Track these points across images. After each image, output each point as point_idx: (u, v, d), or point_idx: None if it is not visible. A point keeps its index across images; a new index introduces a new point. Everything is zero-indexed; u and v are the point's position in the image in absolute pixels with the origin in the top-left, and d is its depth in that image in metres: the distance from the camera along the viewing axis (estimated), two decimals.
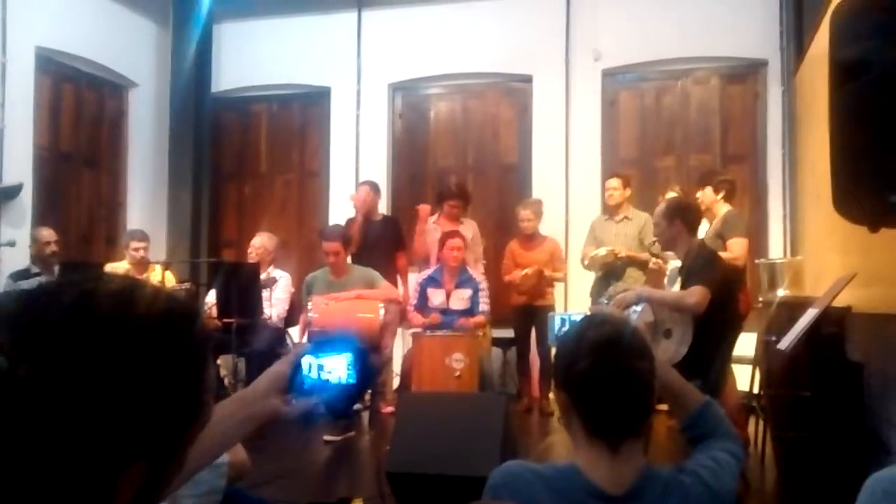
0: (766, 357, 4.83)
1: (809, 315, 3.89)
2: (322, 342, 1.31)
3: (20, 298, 0.75)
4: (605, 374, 1.44)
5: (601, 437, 1.47)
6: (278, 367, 1.27)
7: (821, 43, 4.84)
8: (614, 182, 6.46)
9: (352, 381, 1.27)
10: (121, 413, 0.71)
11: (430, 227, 6.64)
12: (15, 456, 0.68)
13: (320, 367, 1.27)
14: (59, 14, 7.22)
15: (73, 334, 0.71)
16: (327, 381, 1.27)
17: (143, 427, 0.73)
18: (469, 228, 6.68)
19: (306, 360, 1.27)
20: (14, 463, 0.68)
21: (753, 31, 7.32)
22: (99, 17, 7.67)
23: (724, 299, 4.03)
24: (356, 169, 8.17)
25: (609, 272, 6.29)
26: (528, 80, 7.96)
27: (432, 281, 6.20)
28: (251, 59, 8.51)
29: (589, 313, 2.31)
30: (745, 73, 7.58)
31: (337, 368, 1.27)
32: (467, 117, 8.25)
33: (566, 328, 2.17)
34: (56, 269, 6.03)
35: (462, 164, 8.24)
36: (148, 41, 8.34)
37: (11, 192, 6.65)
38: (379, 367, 5.88)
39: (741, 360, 5.06)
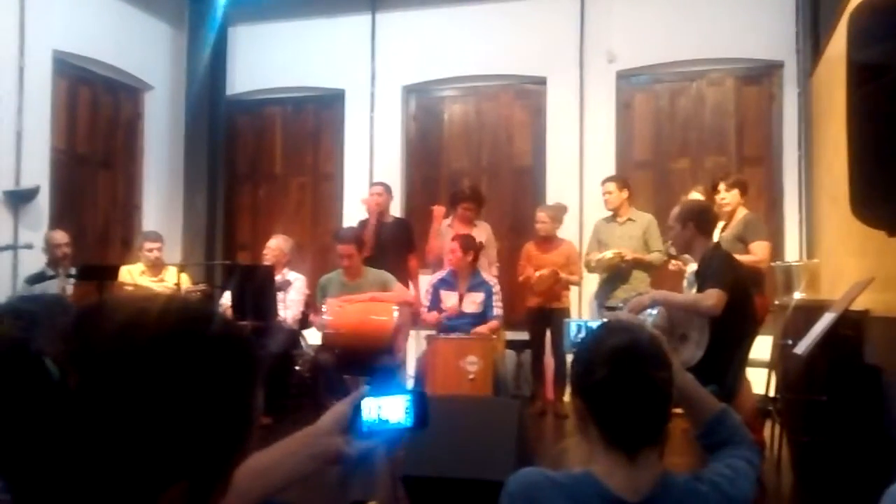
0: (782, 361, 4.80)
1: (826, 319, 3.87)
2: (382, 385, 1.34)
3: (76, 310, 0.76)
4: (623, 383, 1.44)
5: (618, 445, 1.47)
6: (340, 408, 1.28)
7: (837, 44, 4.81)
8: (610, 186, 6.44)
9: (409, 423, 1.29)
10: (167, 430, 0.71)
11: (444, 229, 6.64)
12: (58, 466, 0.68)
13: (379, 408, 1.28)
14: (76, 18, 7.27)
15: (126, 350, 0.71)
16: (386, 421, 1.28)
17: (188, 446, 0.73)
18: (483, 231, 6.67)
19: (366, 402, 1.28)
20: (56, 473, 0.68)
21: (769, 33, 7.28)
22: (115, 20, 7.72)
23: (741, 303, 4.01)
24: (370, 171, 8.18)
25: (614, 275, 6.27)
26: (542, 82, 7.95)
27: (445, 283, 6.18)
28: (265, 61, 8.55)
29: (605, 320, 2.29)
30: (761, 75, 7.54)
31: (395, 410, 1.28)
32: (481, 119, 8.25)
33: (582, 335, 2.16)
34: (70, 271, 6.05)
35: (476, 166, 8.24)
36: (163, 44, 8.39)
37: (29, 195, 6.69)
38: (393, 370, 5.88)
39: (757, 364, 5.03)
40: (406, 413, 1.28)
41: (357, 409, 1.27)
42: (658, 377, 1.47)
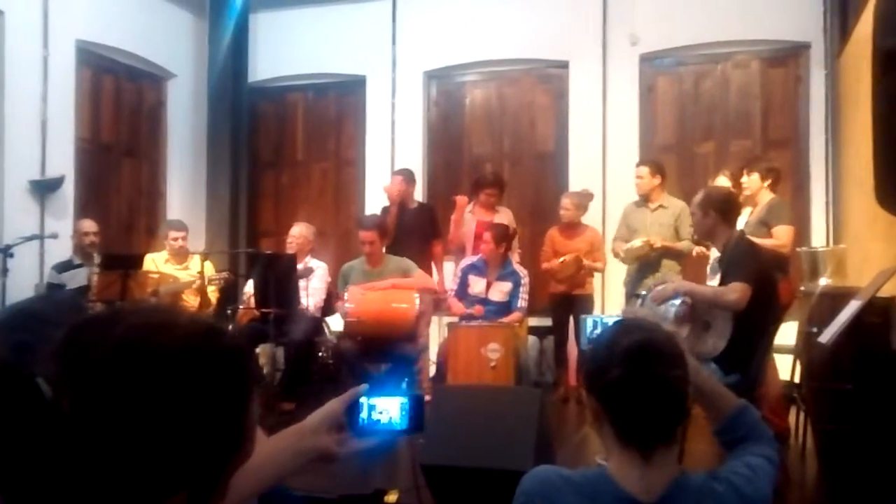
0: (807, 348, 4.74)
1: (852, 307, 3.81)
2: (379, 385, 1.34)
3: (70, 328, 0.76)
4: (638, 382, 1.43)
5: (633, 444, 1.46)
6: (332, 405, 1.28)
7: (865, 25, 4.71)
8: (642, 170, 6.26)
9: (403, 426, 1.29)
10: (163, 447, 0.72)
11: (466, 215, 6.63)
12: (53, 483, 0.68)
13: (372, 408, 1.28)
14: (99, 7, 7.31)
15: (118, 371, 0.71)
16: (378, 421, 1.28)
17: (185, 460, 0.73)
18: (504, 217, 6.65)
19: (363, 401, 1.28)
20: (52, 490, 0.69)
21: (795, 13, 7.14)
22: (137, 9, 7.75)
23: (765, 292, 3.95)
24: (392, 157, 8.17)
25: (644, 263, 6.17)
26: (564, 65, 7.87)
27: (474, 269, 6.18)
28: (287, 48, 8.55)
29: (622, 317, 2.27)
30: (787, 57, 7.41)
31: (389, 410, 1.28)
32: (503, 104, 8.19)
33: (597, 331, 2.14)
34: (96, 259, 6.11)
35: (498, 151, 8.20)
36: (185, 32, 8.41)
37: (54, 185, 6.76)
38: (415, 357, 5.90)
39: (782, 350, 4.98)
40: (401, 415, 1.28)
41: (353, 407, 1.27)
42: (673, 376, 1.45)
